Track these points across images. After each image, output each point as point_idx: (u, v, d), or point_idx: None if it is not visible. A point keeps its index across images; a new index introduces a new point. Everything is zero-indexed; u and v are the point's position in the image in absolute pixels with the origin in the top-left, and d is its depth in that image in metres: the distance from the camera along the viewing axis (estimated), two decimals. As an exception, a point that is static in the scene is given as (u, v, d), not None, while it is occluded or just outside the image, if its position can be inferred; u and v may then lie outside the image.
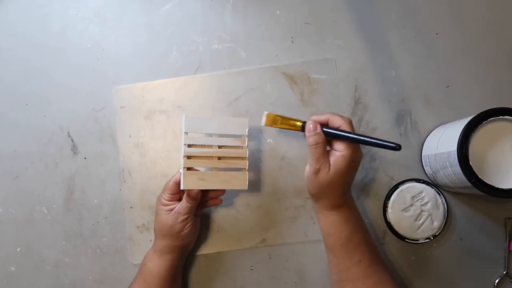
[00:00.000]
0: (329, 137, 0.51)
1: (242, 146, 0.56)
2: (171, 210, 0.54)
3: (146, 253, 0.56)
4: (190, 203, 0.53)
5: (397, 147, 0.47)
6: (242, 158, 0.56)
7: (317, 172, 0.50)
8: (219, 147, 0.56)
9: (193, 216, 0.55)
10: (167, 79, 0.63)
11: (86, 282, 0.61)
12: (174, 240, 0.54)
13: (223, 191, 0.57)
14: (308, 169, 0.51)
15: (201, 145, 0.55)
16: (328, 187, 0.50)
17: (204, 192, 0.56)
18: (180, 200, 0.55)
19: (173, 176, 0.55)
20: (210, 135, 0.56)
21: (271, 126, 0.55)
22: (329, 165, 0.49)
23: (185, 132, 0.54)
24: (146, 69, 0.63)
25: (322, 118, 0.52)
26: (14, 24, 0.65)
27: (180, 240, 0.54)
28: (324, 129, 0.51)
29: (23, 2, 0.65)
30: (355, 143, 0.50)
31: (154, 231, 0.55)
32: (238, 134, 0.56)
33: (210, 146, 0.55)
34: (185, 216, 0.53)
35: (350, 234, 0.51)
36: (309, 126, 0.51)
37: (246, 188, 0.56)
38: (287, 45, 0.63)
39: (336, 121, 0.51)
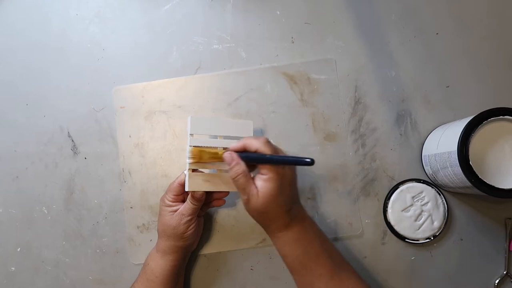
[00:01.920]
0: (249, 163, 0.49)
1: None
2: (175, 211, 0.54)
3: (149, 252, 0.56)
4: (195, 205, 0.53)
5: (311, 162, 0.45)
6: None
7: (247, 201, 0.48)
8: (224, 148, 0.55)
9: (197, 217, 0.55)
10: (167, 79, 0.63)
11: (86, 282, 0.61)
12: (177, 241, 0.54)
13: (227, 192, 0.57)
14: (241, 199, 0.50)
15: (206, 147, 0.54)
16: (266, 212, 0.48)
17: (208, 193, 0.56)
18: (183, 201, 0.55)
19: (177, 177, 0.55)
20: (215, 136, 0.55)
21: (198, 162, 0.52)
22: (257, 191, 0.47)
23: (190, 134, 0.54)
24: (146, 69, 0.63)
25: (239, 145, 0.50)
26: (14, 24, 0.65)
27: (183, 241, 0.54)
28: (242, 156, 0.49)
29: (23, 2, 0.65)
30: (271, 164, 0.47)
31: (158, 232, 0.55)
32: (243, 136, 0.55)
33: (215, 148, 0.54)
34: (189, 217, 0.53)
35: (305, 250, 0.49)
36: (226, 158, 0.50)
37: None
38: (287, 45, 0.63)
39: (252, 145, 0.49)
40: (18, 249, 0.62)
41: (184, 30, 0.64)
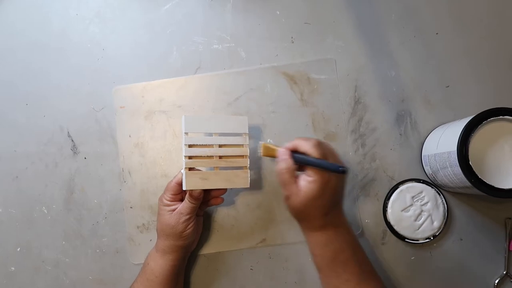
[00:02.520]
0: (298, 163, 0.51)
1: (243, 145, 0.56)
2: (173, 210, 0.54)
3: (148, 252, 0.56)
4: (193, 203, 0.53)
5: (342, 170, 0.48)
6: (243, 156, 0.56)
7: (287, 198, 0.50)
8: (220, 146, 0.56)
9: (196, 216, 0.55)
10: (167, 79, 0.63)
11: (86, 282, 0.61)
12: (176, 240, 0.54)
13: (225, 189, 0.57)
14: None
15: (202, 145, 0.55)
16: (303, 211, 0.50)
17: (206, 192, 0.56)
18: (182, 200, 0.55)
19: (174, 177, 0.55)
20: (211, 134, 0.56)
21: (267, 156, 0.55)
22: (298, 190, 0.49)
23: (185, 133, 0.54)
24: (146, 69, 0.63)
25: (290, 145, 0.52)
26: (14, 24, 0.65)
27: (182, 240, 0.54)
28: (295, 156, 0.51)
29: (23, 2, 0.65)
30: (314, 167, 0.49)
31: (157, 231, 0.55)
32: (238, 133, 0.56)
33: (211, 146, 0.55)
34: (188, 216, 0.53)
35: (335, 253, 0.50)
36: (280, 151, 0.52)
37: (248, 186, 0.56)
38: (287, 45, 0.63)
39: (302, 146, 0.50)
40: (18, 249, 0.62)
41: (184, 30, 0.64)
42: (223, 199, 0.58)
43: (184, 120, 0.54)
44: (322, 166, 0.49)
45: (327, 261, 0.51)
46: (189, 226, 0.53)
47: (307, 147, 0.50)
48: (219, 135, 0.56)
